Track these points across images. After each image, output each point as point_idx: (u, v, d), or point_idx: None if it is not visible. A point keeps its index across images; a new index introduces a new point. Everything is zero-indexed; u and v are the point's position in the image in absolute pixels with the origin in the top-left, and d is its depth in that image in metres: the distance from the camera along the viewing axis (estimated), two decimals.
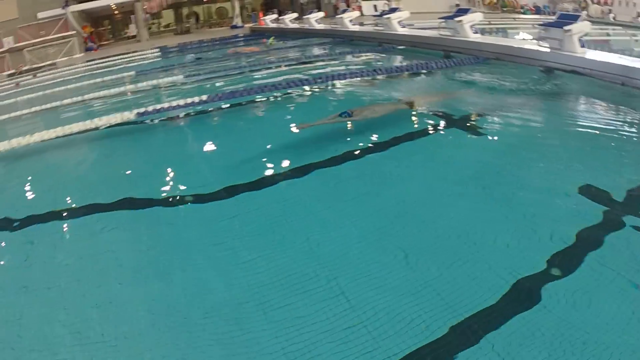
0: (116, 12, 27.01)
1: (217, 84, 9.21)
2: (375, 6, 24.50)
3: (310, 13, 17.26)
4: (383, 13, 13.48)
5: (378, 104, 5.97)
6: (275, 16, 20.42)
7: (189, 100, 7.01)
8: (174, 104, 6.96)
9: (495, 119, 5.37)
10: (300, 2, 26.81)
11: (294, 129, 5.49)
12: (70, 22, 22.48)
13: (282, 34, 18.06)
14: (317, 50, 12.99)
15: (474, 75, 7.64)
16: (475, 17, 9.92)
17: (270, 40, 15.79)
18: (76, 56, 21.84)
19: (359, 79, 8.02)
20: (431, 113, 5.69)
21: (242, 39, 19.52)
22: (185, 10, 28.18)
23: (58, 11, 22.76)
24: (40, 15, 22.62)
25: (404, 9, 13.23)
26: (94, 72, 14.60)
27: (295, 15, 19.16)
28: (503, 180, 3.74)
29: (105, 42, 26.18)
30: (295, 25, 18.37)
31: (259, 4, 30.35)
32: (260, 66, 10.89)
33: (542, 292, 2.30)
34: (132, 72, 12.17)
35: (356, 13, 15.82)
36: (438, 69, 8.19)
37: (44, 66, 20.63)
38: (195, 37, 22.25)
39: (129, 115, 6.71)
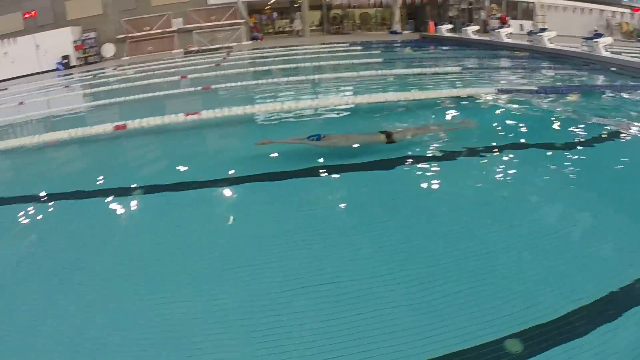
0: (267, 7, 30.96)
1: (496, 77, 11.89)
2: (521, 25, 27.24)
3: (500, 28, 20.11)
4: (531, 32, 16.83)
5: (353, 133, 6.20)
6: (450, 26, 23.45)
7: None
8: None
9: None
10: (450, 16, 29.86)
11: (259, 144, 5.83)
12: (240, 11, 26.19)
13: (462, 44, 20.92)
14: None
15: None
16: None
17: (407, 49, 18.64)
18: (244, 43, 25.43)
19: None
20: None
21: (402, 44, 22.40)
22: (330, 13, 31.81)
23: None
24: (211, 1, 26.45)
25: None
26: (313, 55, 17.75)
27: (477, 27, 22.12)
28: None
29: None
30: (478, 37, 21.28)
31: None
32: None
33: None
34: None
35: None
36: None
37: (215, 48, 24.28)
38: (355, 39, 25.42)
39: (490, 90, 9.24)
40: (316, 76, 12.46)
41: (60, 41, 26.73)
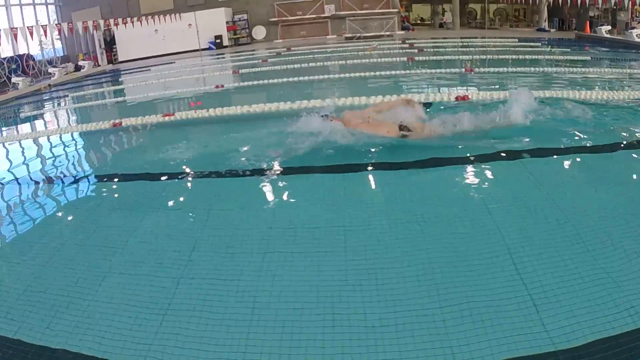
0: None
1: None
2: None
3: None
4: None
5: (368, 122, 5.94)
6: (608, 27, 24.46)
7: None
8: None
9: None
10: (590, 16, 30.68)
11: None
12: (394, 1, 27.78)
13: (627, 47, 21.80)
14: None
15: None
16: None
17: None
18: (398, 33, 26.96)
19: None
20: None
21: (576, 43, 23.41)
22: (467, 7, 33.16)
23: None
24: None
25: None
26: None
27: None
28: None
29: None
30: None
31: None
32: None
33: None
34: None
35: None
36: None
37: (374, 36, 25.87)
38: (505, 34, 26.58)
39: None
40: (550, 69, 13.36)
41: (213, 21, 28.88)
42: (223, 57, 24.81)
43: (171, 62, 24.13)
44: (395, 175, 5.07)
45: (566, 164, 5.24)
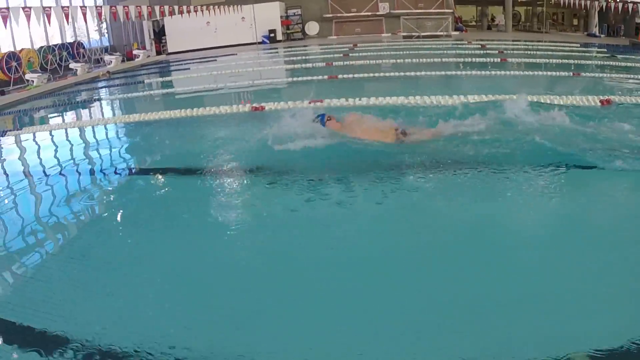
0: None
1: None
2: None
3: None
4: None
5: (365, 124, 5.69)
6: None
7: None
8: None
9: None
10: (637, 22, 31.12)
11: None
12: (449, 1, 28.22)
13: None
14: None
15: None
16: None
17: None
18: (452, 33, 27.37)
19: None
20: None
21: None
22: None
23: None
24: None
25: None
26: None
27: None
28: None
29: None
30: None
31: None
32: None
33: None
34: None
35: None
36: None
37: (430, 35, 26.28)
38: (556, 38, 27.09)
39: None
40: None
41: (268, 15, 29.13)
42: (276, 51, 25.16)
43: (233, 54, 24.36)
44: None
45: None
